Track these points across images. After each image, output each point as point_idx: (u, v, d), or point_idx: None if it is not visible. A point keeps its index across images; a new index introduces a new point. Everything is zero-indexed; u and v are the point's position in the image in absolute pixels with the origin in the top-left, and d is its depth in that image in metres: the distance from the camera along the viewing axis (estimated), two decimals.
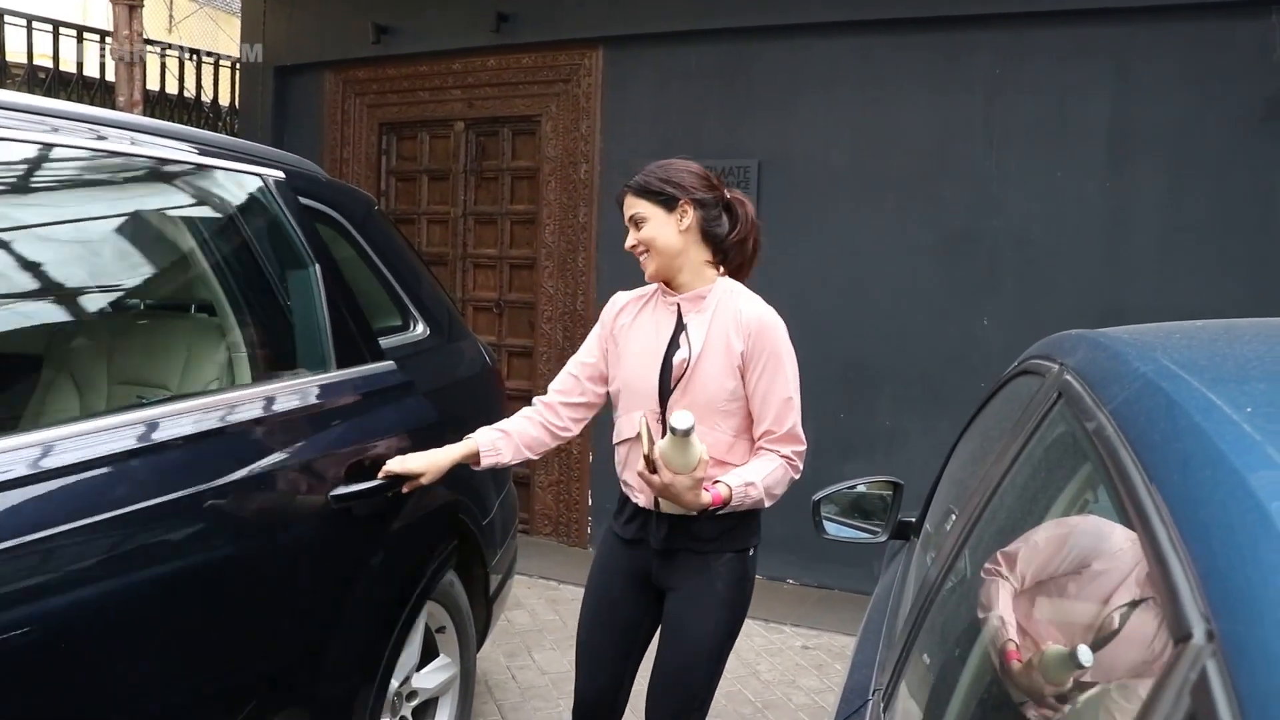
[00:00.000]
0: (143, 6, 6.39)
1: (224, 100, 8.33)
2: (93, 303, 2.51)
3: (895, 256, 5.32)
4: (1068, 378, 1.42)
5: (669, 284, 2.58)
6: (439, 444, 2.59)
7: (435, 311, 3.44)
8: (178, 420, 2.10)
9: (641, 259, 2.56)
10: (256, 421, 2.32)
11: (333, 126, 7.02)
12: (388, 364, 2.84)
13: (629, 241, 2.56)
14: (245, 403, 2.33)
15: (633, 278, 2.64)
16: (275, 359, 2.62)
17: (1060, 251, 5.02)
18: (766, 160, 5.56)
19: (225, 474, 2.15)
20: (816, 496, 2.60)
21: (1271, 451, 0.78)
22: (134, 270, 2.60)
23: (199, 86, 8.22)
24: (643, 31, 5.87)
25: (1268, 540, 0.66)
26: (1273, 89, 4.68)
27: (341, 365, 2.67)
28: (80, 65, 7.32)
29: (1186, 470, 0.83)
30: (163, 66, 7.91)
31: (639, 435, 2.37)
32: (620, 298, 2.70)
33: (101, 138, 2.19)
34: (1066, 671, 1.08)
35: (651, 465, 2.30)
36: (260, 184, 2.66)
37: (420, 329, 3.33)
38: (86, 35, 7.35)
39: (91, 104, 7.00)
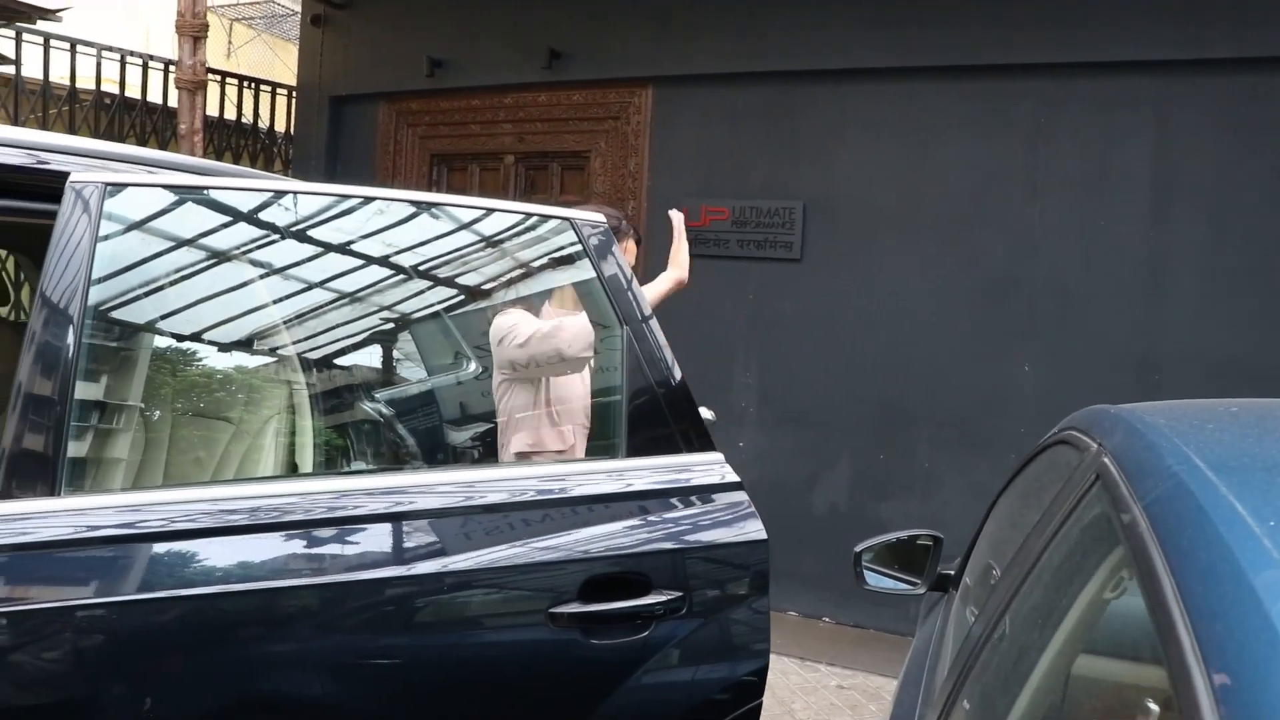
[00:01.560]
0: (206, 37, 6.59)
1: (279, 127, 8.55)
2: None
3: (936, 300, 5.40)
4: (1105, 461, 1.51)
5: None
6: (758, 570, 2.21)
7: None
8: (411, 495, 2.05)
9: None
10: (504, 509, 2.07)
11: (385, 156, 7.19)
12: (710, 455, 2.28)
13: None
14: (487, 485, 2.12)
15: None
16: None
17: (1100, 299, 5.08)
18: (811, 202, 5.66)
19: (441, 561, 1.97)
20: (858, 548, 2.66)
21: None
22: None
23: (256, 113, 8.43)
24: (692, 72, 6.00)
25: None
26: None
27: (641, 451, 2.24)
28: (144, 91, 7.55)
29: (1208, 582, 0.92)
30: (222, 94, 8.13)
31: None
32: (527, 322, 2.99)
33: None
34: None
35: None
36: (571, 232, 2.40)
37: None
38: (151, 64, 7.57)
39: (153, 129, 7.24)
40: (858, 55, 5.56)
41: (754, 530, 2.21)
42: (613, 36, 6.23)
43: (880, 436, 5.50)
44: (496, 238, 2.53)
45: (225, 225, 2.24)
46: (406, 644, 1.95)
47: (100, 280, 1.97)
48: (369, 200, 2.33)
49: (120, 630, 1.78)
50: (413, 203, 2.43)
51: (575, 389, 2.84)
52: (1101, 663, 1.54)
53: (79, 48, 7.04)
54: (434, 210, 2.45)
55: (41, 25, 6.79)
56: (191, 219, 2.23)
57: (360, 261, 2.41)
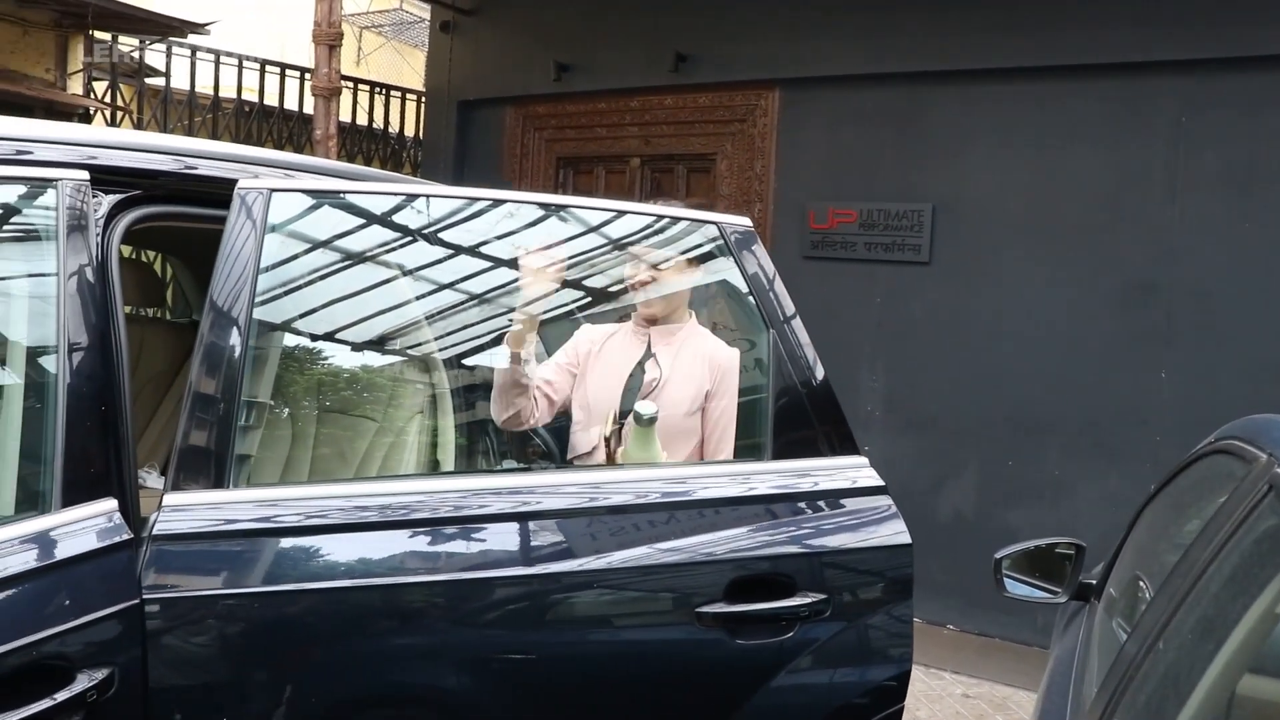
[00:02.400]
0: (341, 45, 6.78)
1: (408, 132, 8.76)
2: None
3: (1068, 305, 5.26)
4: (1279, 471, 1.47)
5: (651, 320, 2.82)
6: (901, 574, 2.23)
7: None
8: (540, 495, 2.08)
9: None
10: (630, 510, 2.09)
11: (512, 159, 7.30)
12: (854, 459, 2.28)
13: None
14: (621, 486, 2.16)
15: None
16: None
17: (1245, 305, 4.89)
18: (940, 204, 5.57)
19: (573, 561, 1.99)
20: (998, 554, 2.62)
21: None
22: None
23: (386, 118, 8.65)
24: (819, 74, 5.95)
25: None
26: None
27: (786, 454, 2.23)
28: (281, 99, 7.81)
29: None
30: (354, 100, 8.36)
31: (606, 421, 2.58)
32: (590, 331, 2.90)
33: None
34: None
35: (611, 456, 2.43)
36: (716, 234, 2.44)
37: None
38: (288, 72, 7.84)
39: (289, 135, 7.48)
40: (988, 55, 5.45)
41: (897, 534, 2.21)
42: (739, 39, 6.22)
43: (1009, 443, 5.39)
44: (639, 240, 2.56)
45: (378, 228, 2.31)
46: (564, 639, 1.99)
47: (264, 281, 2.04)
48: (525, 204, 2.40)
49: (301, 617, 1.84)
50: (560, 207, 2.49)
51: (609, 392, 2.81)
52: (1269, 683, 1.50)
53: (222, 59, 7.34)
54: (580, 214, 2.50)
55: (190, 39, 7.10)
56: (348, 223, 2.31)
57: (505, 263, 2.47)
